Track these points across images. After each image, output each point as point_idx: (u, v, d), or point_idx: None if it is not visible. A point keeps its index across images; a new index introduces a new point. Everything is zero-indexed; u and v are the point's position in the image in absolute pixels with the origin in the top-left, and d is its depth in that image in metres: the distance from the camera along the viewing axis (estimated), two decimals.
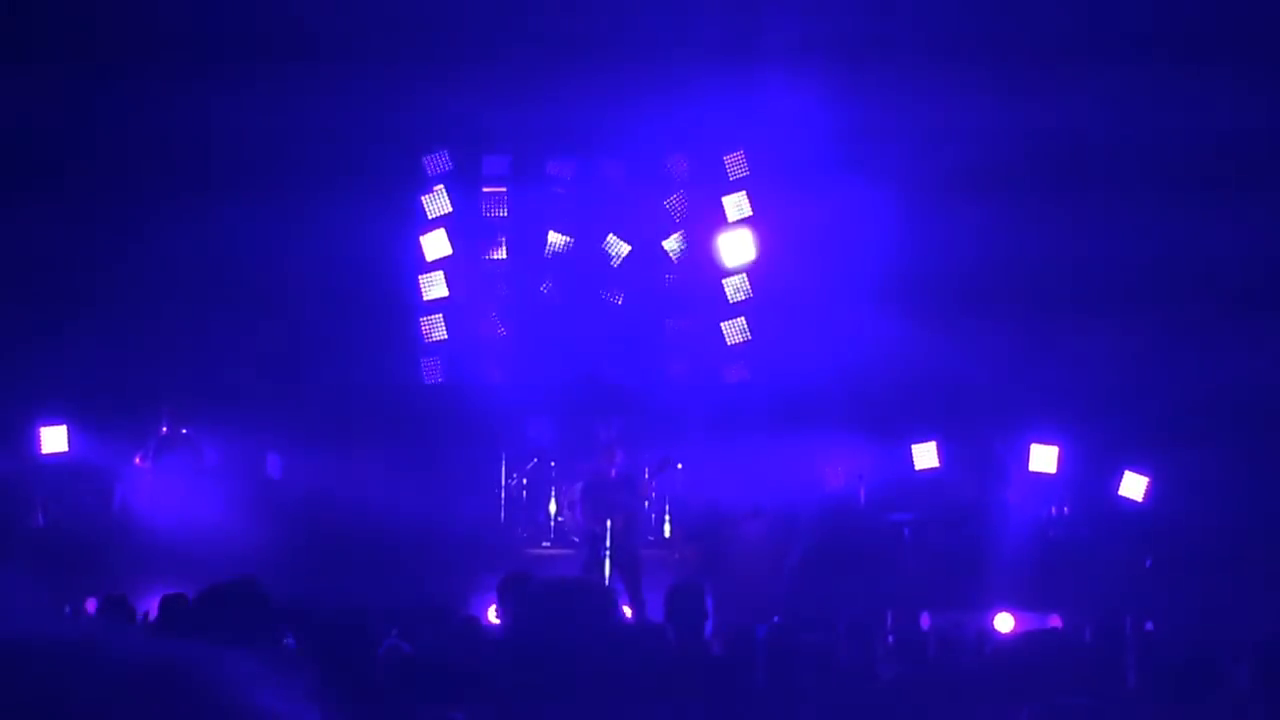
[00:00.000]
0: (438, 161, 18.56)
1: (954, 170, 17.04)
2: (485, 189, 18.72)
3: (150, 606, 11.60)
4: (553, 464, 18.31)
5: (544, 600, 3.60)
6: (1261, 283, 16.62)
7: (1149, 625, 13.63)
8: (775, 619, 13.08)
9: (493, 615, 13.40)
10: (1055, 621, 15.14)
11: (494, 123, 17.99)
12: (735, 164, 18.63)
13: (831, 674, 8.47)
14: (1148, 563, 16.47)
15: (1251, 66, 16.04)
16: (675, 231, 18.79)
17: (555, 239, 18.56)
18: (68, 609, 13.38)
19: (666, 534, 18.05)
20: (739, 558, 17.01)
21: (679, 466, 17.35)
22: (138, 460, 16.84)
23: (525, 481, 18.48)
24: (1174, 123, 16.30)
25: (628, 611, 14.46)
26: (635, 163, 18.67)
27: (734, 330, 18.51)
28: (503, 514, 18.34)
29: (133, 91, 16.40)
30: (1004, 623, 15.13)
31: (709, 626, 9.12)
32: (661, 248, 18.81)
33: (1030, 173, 17.21)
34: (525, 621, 3.62)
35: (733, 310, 18.60)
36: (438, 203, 18.67)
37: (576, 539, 16.56)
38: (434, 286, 18.60)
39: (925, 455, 17.43)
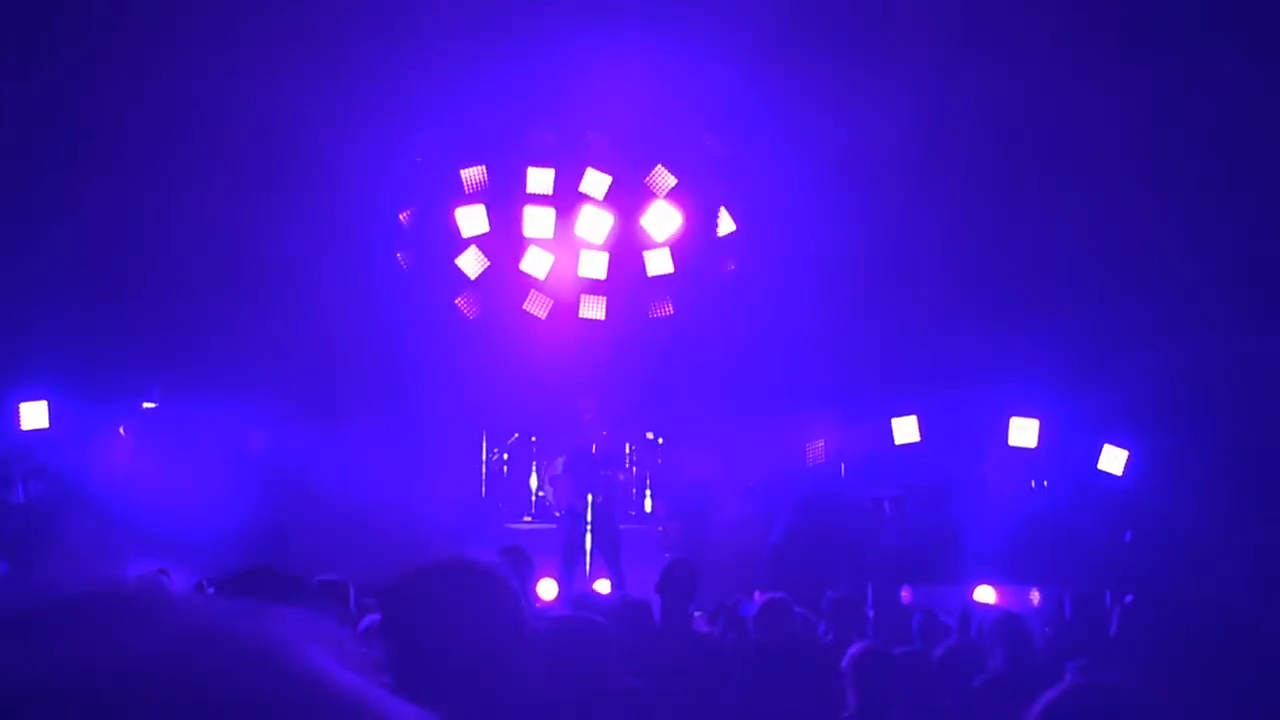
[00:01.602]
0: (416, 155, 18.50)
1: (933, 139, 16.93)
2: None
3: None
4: (534, 439, 18.28)
5: (413, 596, 3.27)
6: (1247, 259, 16.56)
7: (1129, 599, 13.63)
8: (757, 594, 13.11)
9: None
10: (1035, 596, 15.20)
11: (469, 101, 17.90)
12: (709, 143, 18.53)
13: (815, 650, 8.47)
14: (1127, 536, 16.49)
15: (1234, 46, 16.03)
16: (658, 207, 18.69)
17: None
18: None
19: (648, 509, 18.06)
20: (720, 533, 16.99)
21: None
22: (120, 432, 16.76)
23: (506, 456, 18.45)
24: (1159, 102, 16.32)
25: (606, 586, 14.48)
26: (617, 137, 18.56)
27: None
28: (484, 489, 18.30)
29: (114, 69, 16.34)
30: (985, 596, 15.16)
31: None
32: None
33: (1008, 144, 17.14)
34: (389, 625, 3.29)
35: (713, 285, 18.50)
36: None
37: (558, 514, 16.55)
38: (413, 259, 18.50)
39: (905, 429, 17.40)
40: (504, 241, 18.58)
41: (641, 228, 18.63)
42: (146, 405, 17.11)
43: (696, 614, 10.49)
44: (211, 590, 8.42)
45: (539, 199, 18.52)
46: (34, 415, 16.82)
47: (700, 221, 18.71)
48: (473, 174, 18.44)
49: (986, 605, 14.33)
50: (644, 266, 18.55)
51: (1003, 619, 8.38)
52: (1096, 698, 3.17)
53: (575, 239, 18.42)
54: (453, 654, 3.08)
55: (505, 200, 18.56)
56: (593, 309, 18.40)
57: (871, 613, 13.75)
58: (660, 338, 18.58)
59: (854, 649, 6.82)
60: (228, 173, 16.82)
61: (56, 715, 0.81)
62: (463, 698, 2.98)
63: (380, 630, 3.33)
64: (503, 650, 3.12)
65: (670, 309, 18.46)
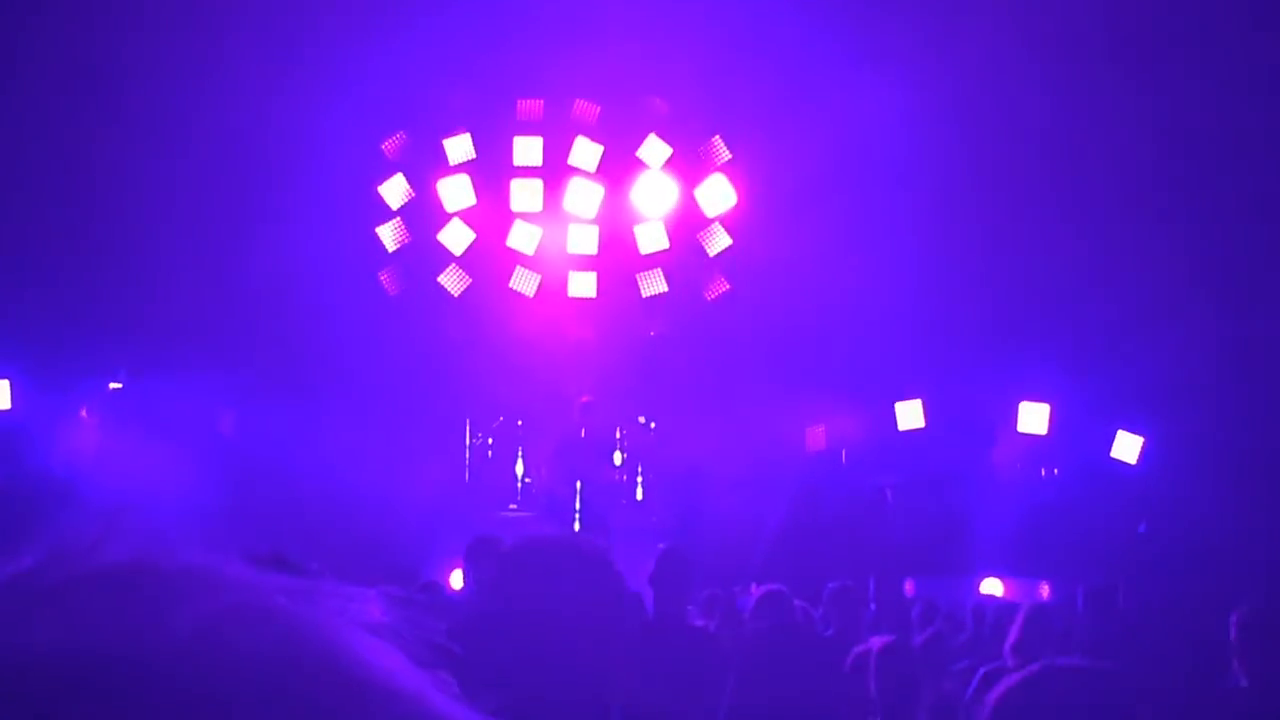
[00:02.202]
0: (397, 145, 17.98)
1: (944, 125, 16.77)
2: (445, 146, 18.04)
3: None
4: (520, 423, 17.76)
5: (523, 563, 3.15)
6: (1260, 244, 16.30)
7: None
8: (754, 586, 12.70)
9: (457, 580, 12.89)
10: (1044, 589, 14.95)
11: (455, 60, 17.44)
12: (713, 111, 17.99)
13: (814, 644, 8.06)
14: (1142, 527, 16.17)
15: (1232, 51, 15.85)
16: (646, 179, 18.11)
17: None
18: None
19: (639, 497, 17.56)
20: (716, 522, 16.52)
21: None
22: (82, 413, 16.34)
23: (491, 441, 17.91)
24: (1168, 98, 16.20)
25: None
26: (610, 106, 18.03)
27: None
28: (467, 475, 17.77)
29: (83, 56, 16.26)
30: (992, 589, 14.83)
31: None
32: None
33: (1025, 130, 16.86)
34: (499, 588, 3.17)
35: (712, 264, 18.01)
36: (398, 146, 18.02)
37: (545, 501, 15.99)
38: (393, 234, 17.99)
39: (910, 414, 17.02)
40: (490, 216, 18.00)
41: (632, 202, 18.04)
42: (113, 386, 16.60)
43: (689, 606, 9.95)
44: None
45: (526, 171, 17.87)
46: None
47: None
48: (455, 143, 17.87)
49: (995, 598, 14.05)
50: (635, 243, 17.95)
51: (1032, 611, 7.90)
52: (1057, 683, 3.16)
53: (564, 213, 17.80)
54: (557, 631, 3.01)
55: (490, 172, 17.97)
56: (583, 287, 17.82)
57: (874, 606, 13.34)
58: (654, 318, 18.00)
59: (877, 643, 6.50)
60: (193, 150, 16.60)
61: (90, 687, 0.80)
62: (551, 678, 2.97)
63: (489, 591, 3.26)
64: (604, 639, 3.07)
65: (665, 287, 17.91)
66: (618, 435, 17.31)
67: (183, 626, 0.82)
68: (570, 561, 3.10)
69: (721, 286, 17.93)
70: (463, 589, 9.90)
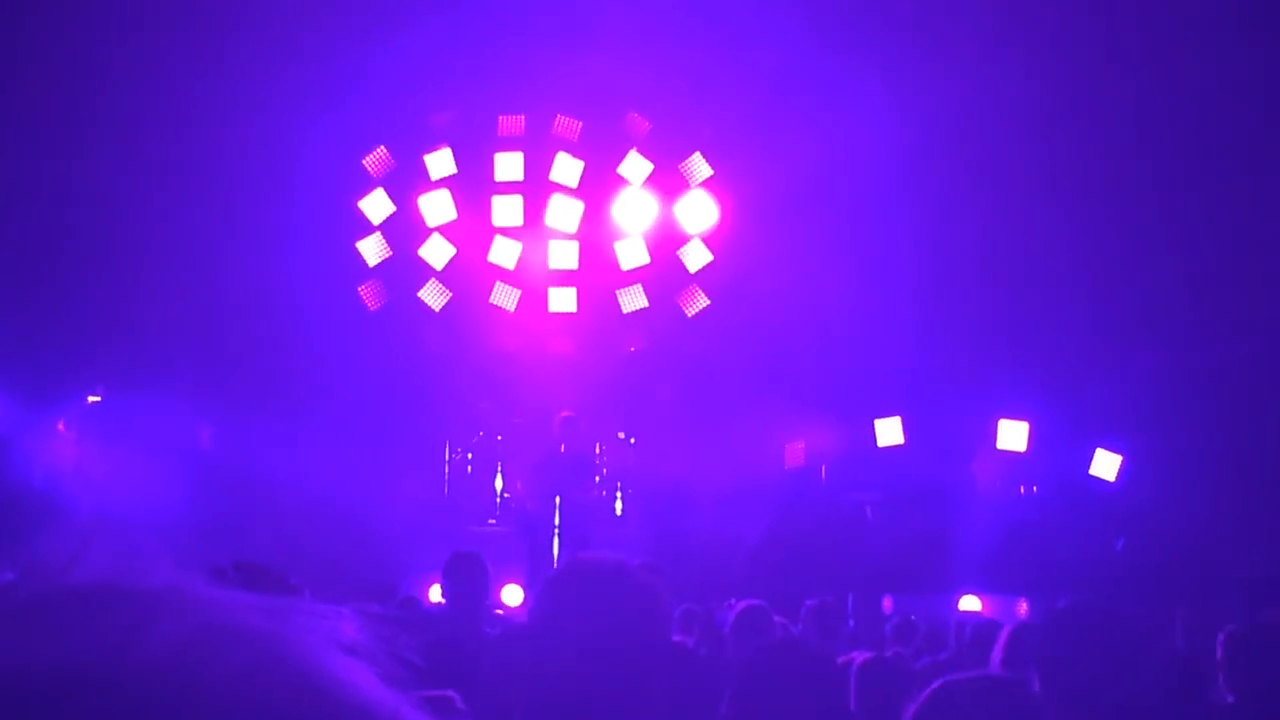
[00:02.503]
0: (380, 162, 17.92)
1: (924, 143, 16.73)
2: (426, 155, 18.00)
3: None
4: (499, 438, 17.69)
5: (580, 587, 3.12)
6: (1239, 264, 16.34)
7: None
8: (732, 601, 12.62)
9: (436, 595, 12.88)
10: (1022, 606, 14.91)
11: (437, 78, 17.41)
12: (695, 126, 17.96)
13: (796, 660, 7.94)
14: (1120, 544, 16.16)
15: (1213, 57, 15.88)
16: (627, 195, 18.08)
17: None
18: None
19: (618, 512, 17.49)
20: (695, 537, 16.47)
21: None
22: (60, 427, 16.24)
23: (470, 456, 17.84)
24: (1150, 110, 16.29)
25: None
26: (591, 122, 18.01)
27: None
28: (447, 489, 17.69)
29: (59, 65, 16.18)
30: (970, 605, 14.79)
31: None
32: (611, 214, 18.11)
33: (1003, 148, 16.88)
34: (557, 612, 3.11)
35: (689, 282, 17.98)
36: (379, 160, 17.99)
37: (522, 517, 15.91)
38: (374, 249, 17.92)
39: (889, 431, 16.94)
40: (471, 230, 17.95)
41: (613, 218, 18.01)
42: (91, 399, 16.49)
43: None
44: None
45: (507, 186, 17.88)
46: None
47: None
48: (436, 159, 17.84)
49: (973, 614, 14.00)
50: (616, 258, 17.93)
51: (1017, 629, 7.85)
52: (966, 695, 3.22)
53: (545, 229, 17.77)
54: (598, 657, 2.99)
55: (471, 187, 17.93)
56: (563, 302, 17.79)
57: (852, 622, 13.27)
58: (634, 333, 17.99)
59: (858, 658, 6.42)
60: (173, 165, 16.54)
61: (64, 705, 0.80)
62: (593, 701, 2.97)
63: (536, 615, 3.18)
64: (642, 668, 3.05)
65: (645, 302, 17.89)
66: (597, 451, 17.24)
67: (157, 645, 0.82)
68: (618, 587, 3.09)
69: (701, 302, 17.90)
70: (442, 603, 9.88)
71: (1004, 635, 7.68)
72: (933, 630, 11.51)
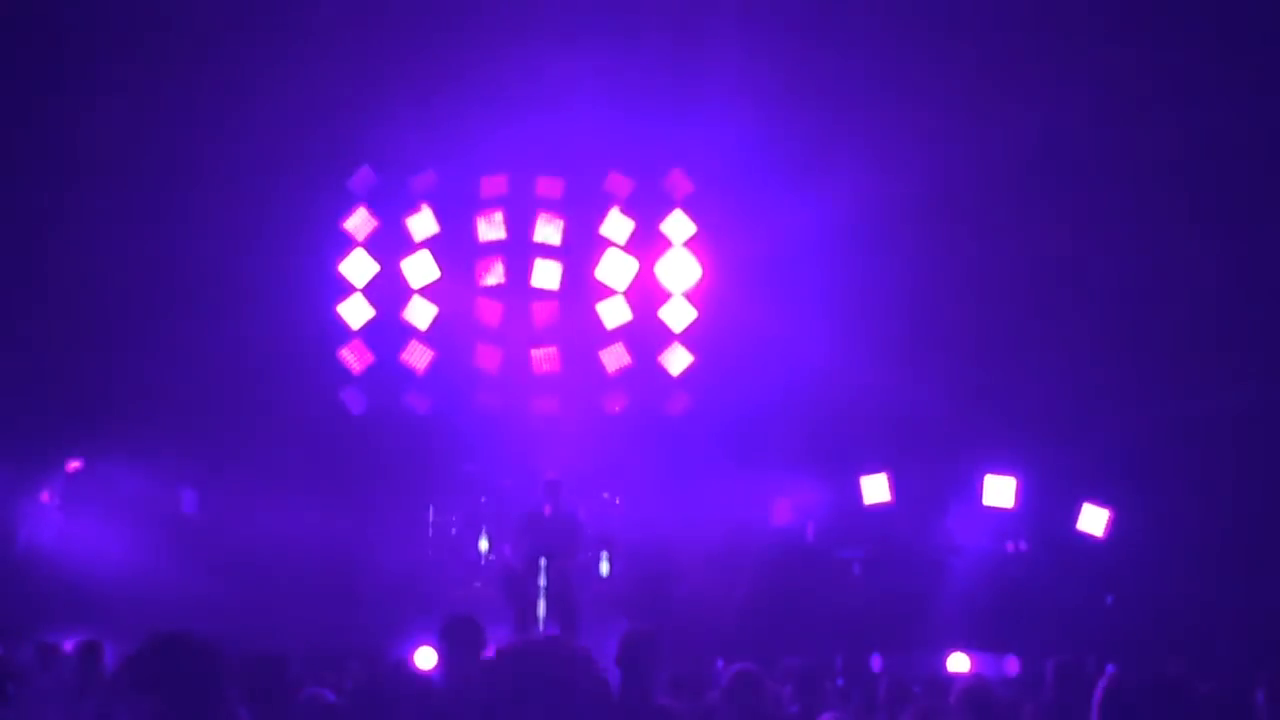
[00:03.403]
0: (362, 179, 17.84)
1: (908, 196, 16.68)
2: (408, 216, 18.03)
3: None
4: (484, 499, 17.59)
5: (513, 665, 3.16)
6: (1228, 317, 16.38)
7: (1111, 668, 13.15)
8: (719, 663, 12.56)
9: (425, 660, 12.76)
10: (1012, 664, 14.82)
11: (419, 139, 17.40)
12: (676, 183, 17.99)
13: None
14: (1109, 600, 16.08)
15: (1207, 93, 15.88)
16: (611, 255, 18.10)
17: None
18: None
19: (604, 573, 17.37)
20: (681, 598, 16.38)
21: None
22: (44, 497, 16.15)
23: (455, 518, 17.71)
24: (1138, 152, 16.29)
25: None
26: (572, 181, 18.05)
27: (674, 361, 17.87)
28: (430, 552, 17.57)
29: (35, 114, 16.25)
30: (959, 664, 14.66)
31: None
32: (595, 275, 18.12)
33: (988, 198, 16.95)
34: (487, 687, 3.15)
35: (672, 340, 17.98)
36: (360, 222, 17.96)
37: (506, 579, 15.79)
38: (355, 312, 17.88)
39: (876, 488, 16.86)
40: (454, 291, 17.97)
41: (597, 277, 18.04)
42: (72, 466, 16.38)
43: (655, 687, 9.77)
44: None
45: (490, 246, 17.98)
46: None
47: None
48: (418, 220, 17.89)
49: (960, 674, 13.88)
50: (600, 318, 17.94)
51: (970, 686, 7.81)
52: None
53: (530, 288, 17.82)
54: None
55: (454, 247, 17.98)
56: (546, 362, 17.77)
57: (841, 681, 13.17)
58: (618, 393, 17.96)
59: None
60: (154, 222, 16.50)
61: None
62: None
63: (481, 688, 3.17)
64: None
65: (628, 361, 17.87)
66: (581, 512, 17.16)
67: None
68: (556, 667, 3.10)
69: (685, 360, 17.88)
70: (436, 668, 9.80)
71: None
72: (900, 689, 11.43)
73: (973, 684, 8.18)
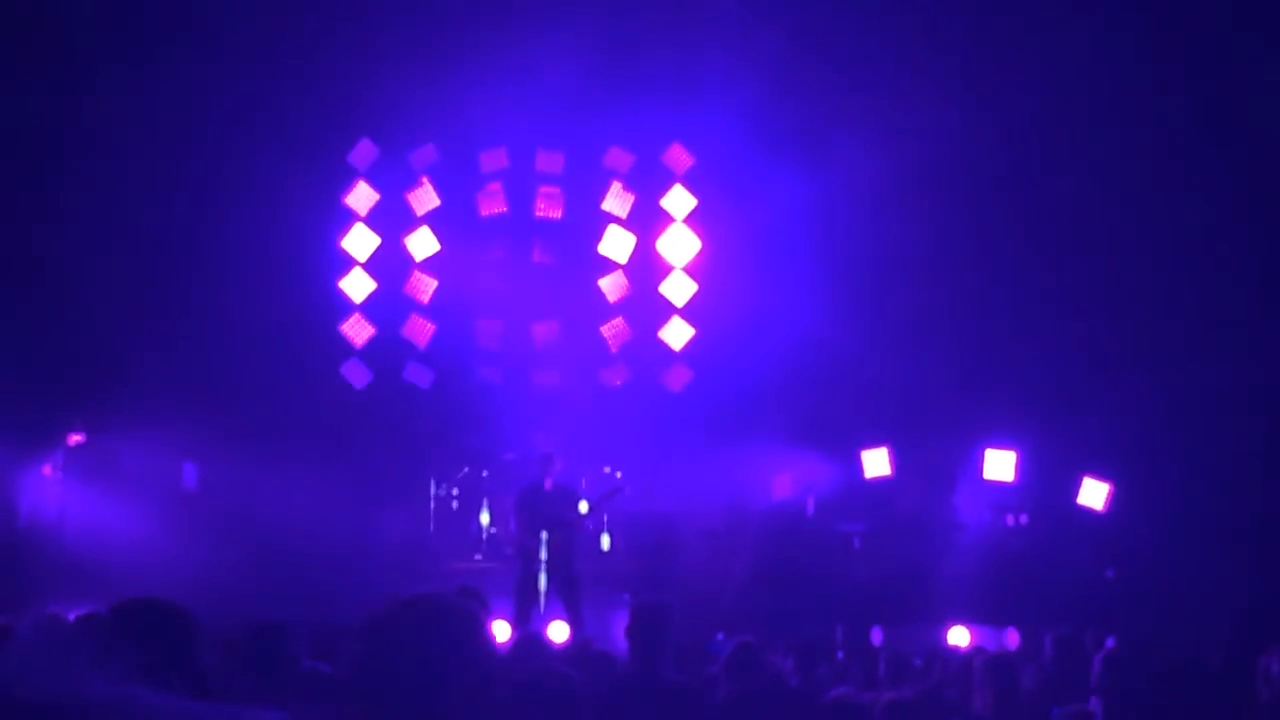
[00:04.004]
0: (363, 153, 17.82)
1: (910, 170, 16.69)
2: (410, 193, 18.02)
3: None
4: (485, 473, 17.62)
5: (394, 626, 3.12)
6: (1227, 290, 16.37)
7: (1110, 641, 13.15)
8: (720, 636, 12.57)
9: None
10: (1013, 637, 14.81)
11: (419, 113, 17.37)
12: (677, 157, 17.97)
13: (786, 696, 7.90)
14: (1110, 574, 16.06)
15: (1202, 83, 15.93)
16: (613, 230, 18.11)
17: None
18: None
19: (604, 547, 17.41)
20: (682, 572, 16.40)
21: (624, 491, 16.64)
22: (46, 470, 16.15)
23: (456, 491, 17.76)
24: (1138, 131, 16.29)
25: (564, 630, 13.72)
26: (573, 156, 18.04)
27: (675, 335, 17.88)
28: (432, 525, 17.61)
29: (34, 84, 16.11)
30: (959, 637, 14.67)
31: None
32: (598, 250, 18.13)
33: (989, 171, 16.95)
34: (373, 653, 3.11)
35: (673, 314, 17.98)
36: (361, 197, 17.95)
37: (509, 552, 15.81)
38: (357, 286, 17.88)
39: (876, 462, 16.85)
40: (456, 263, 18.01)
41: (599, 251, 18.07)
42: (74, 440, 16.38)
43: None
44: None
45: (491, 219, 18.15)
46: None
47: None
48: (419, 195, 17.89)
49: (959, 648, 13.89)
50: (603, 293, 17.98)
51: (992, 661, 7.80)
52: None
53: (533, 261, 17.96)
54: (424, 691, 3.02)
55: (455, 220, 17.99)
56: (549, 334, 17.84)
57: (841, 654, 13.17)
58: (618, 366, 17.94)
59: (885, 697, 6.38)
60: (154, 200, 16.46)
61: None
62: None
63: (360, 663, 3.14)
64: (469, 694, 3.06)
65: (628, 334, 17.88)
66: (582, 485, 17.18)
67: None
68: (439, 622, 3.09)
69: (686, 334, 17.90)
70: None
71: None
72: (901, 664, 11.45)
73: (995, 657, 8.22)
